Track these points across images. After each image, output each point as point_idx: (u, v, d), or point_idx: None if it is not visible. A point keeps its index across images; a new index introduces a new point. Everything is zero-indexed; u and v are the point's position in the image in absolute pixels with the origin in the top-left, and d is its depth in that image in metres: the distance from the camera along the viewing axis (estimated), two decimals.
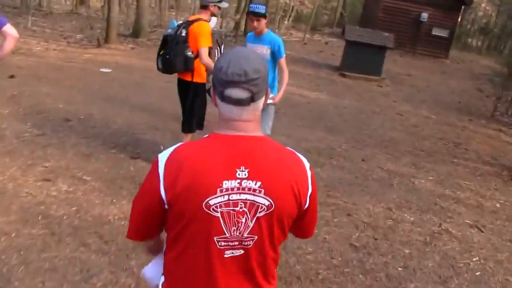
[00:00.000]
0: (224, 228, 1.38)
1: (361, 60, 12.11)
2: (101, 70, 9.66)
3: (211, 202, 1.34)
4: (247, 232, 1.40)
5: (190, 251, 1.42)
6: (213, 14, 4.85)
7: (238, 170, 1.35)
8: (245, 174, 1.35)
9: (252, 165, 1.37)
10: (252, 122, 1.41)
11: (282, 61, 4.78)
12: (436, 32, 20.66)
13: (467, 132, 8.81)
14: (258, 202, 1.37)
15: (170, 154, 1.41)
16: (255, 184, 1.36)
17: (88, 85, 8.37)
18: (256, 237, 1.42)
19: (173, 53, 4.61)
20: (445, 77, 15.81)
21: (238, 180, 1.35)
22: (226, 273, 1.44)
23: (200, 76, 4.84)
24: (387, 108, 9.69)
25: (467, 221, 4.97)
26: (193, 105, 4.94)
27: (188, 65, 4.67)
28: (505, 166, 7.09)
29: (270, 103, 4.72)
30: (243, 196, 1.37)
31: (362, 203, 5.04)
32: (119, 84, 8.66)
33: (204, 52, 4.62)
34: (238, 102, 1.36)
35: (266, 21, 4.64)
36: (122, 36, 14.58)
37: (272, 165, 1.40)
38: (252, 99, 1.37)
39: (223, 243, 1.40)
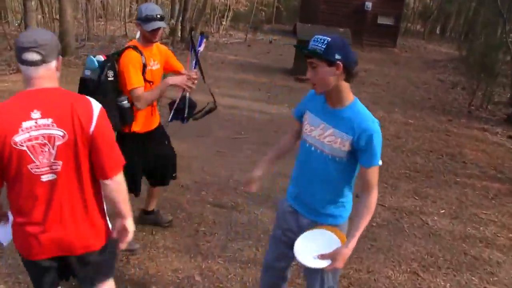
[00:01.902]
0: (33, 158, 1.84)
1: None
2: None
3: (17, 139, 1.79)
4: (53, 158, 1.87)
5: (17, 185, 1.88)
6: (145, 38, 3.28)
7: (32, 113, 1.81)
8: (38, 115, 1.82)
9: (43, 107, 1.83)
10: (46, 79, 1.89)
11: (371, 172, 2.17)
12: (381, 20, 19.90)
13: (453, 138, 7.74)
14: (54, 134, 1.84)
15: None
16: (48, 121, 1.83)
17: None
18: (61, 162, 1.88)
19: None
20: (400, 68, 14.95)
21: (34, 120, 1.82)
22: (48, 197, 1.92)
23: (137, 124, 3.39)
24: None
25: None
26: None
27: (127, 119, 3.19)
28: None
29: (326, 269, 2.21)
30: (41, 131, 1.83)
31: (378, 269, 3.81)
32: None
33: (137, 94, 3.18)
34: (32, 63, 1.85)
35: (338, 71, 2.09)
36: None
37: (59, 105, 1.87)
38: (44, 61, 1.87)
39: (36, 170, 1.86)
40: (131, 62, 3.13)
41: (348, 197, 2.38)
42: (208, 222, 4.24)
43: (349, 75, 2.13)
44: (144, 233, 3.91)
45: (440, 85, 12.59)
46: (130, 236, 2.14)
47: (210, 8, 19.75)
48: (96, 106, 1.93)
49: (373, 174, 2.17)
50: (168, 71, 3.64)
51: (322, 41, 2.07)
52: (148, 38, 3.26)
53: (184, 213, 4.34)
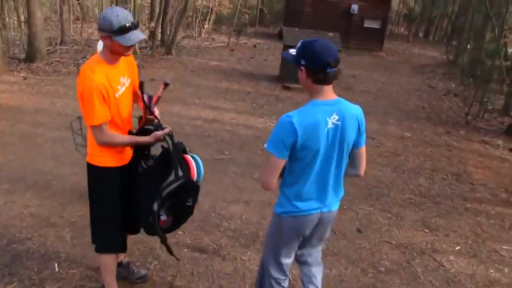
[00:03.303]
0: None
1: None
2: None
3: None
4: None
5: None
6: (115, 53, 2.56)
7: None
8: None
9: None
10: None
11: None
12: (368, 24, 19.33)
13: (455, 153, 7.12)
14: None
15: None
16: None
17: None
18: None
19: None
20: (389, 73, 14.35)
21: None
22: None
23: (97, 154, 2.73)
24: None
25: None
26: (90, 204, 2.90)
27: None
28: None
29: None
30: None
31: None
32: None
33: (100, 133, 2.54)
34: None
35: (303, 76, 2.31)
36: (15, 61, 11.75)
37: None
38: None
39: None
40: (95, 90, 2.43)
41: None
42: (185, 273, 3.50)
43: (315, 79, 2.27)
44: None
45: (432, 92, 12.02)
46: None
47: (192, 11, 18.95)
48: None
49: (268, 157, 2.36)
50: None
51: (296, 47, 2.33)
52: (120, 53, 2.54)
53: (156, 262, 3.60)
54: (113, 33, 2.42)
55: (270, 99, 9.38)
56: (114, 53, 2.54)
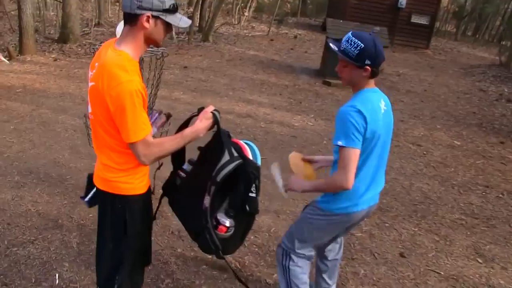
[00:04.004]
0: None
1: None
2: None
3: None
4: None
5: None
6: (150, 41, 2.02)
7: None
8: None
9: None
10: None
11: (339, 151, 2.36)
12: (415, 19, 18.38)
13: (510, 167, 6.43)
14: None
15: None
16: None
17: None
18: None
19: None
20: (436, 73, 13.52)
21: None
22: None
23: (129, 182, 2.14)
24: (396, 134, 7.19)
25: None
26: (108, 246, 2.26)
27: None
28: None
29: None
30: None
31: None
32: (15, 127, 5.81)
33: (143, 148, 1.98)
34: None
35: (366, 74, 2.32)
36: (49, 41, 11.56)
37: None
38: None
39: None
40: (136, 95, 1.89)
41: None
42: None
43: (374, 74, 2.31)
44: None
45: (483, 96, 11.18)
46: None
47: None
48: None
49: (341, 154, 2.25)
50: None
51: (356, 45, 2.23)
52: (157, 40, 2.03)
53: (169, 280, 3.17)
54: (162, 12, 1.92)
55: (309, 95, 8.83)
56: (149, 41, 2.00)
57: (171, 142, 2.06)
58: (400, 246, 4.06)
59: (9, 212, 3.83)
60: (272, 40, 15.65)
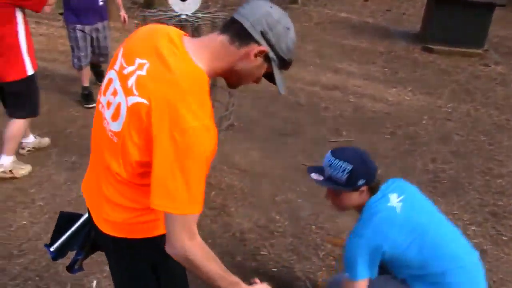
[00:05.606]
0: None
1: (455, 25, 8.27)
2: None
3: None
4: None
5: None
6: (233, 74, 1.44)
7: None
8: None
9: None
10: None
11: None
12: None
13: None
14: None
15: None
16: None
17: None
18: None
19: None
20: None
21: None
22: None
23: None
24: None
25: None
26: None
27: None
28: None
29: None
30: None
31: None
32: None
33: (183, 226, 1.31)
34: None
35: (363, 193, 2.00)
36: (135, 6, 11.37)
37: None
38: None
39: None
40: (207, 157, 1.27)
41: None
42: None
43: (373, 191, 1.98)
44: None
45: None
46: None
47: None
48: None
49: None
50: None
51: (343, 169, 1.91)
52: (237, 79, 1.47)
53: None
54: (279, 59, 1.40)
55: (407, 64, 7.75)
56: (232, 74, 1.43)
57: (217, 267, 1.38)
58: None
59: (58, 198, 3.45)
60: (366, 0, 14.37)
